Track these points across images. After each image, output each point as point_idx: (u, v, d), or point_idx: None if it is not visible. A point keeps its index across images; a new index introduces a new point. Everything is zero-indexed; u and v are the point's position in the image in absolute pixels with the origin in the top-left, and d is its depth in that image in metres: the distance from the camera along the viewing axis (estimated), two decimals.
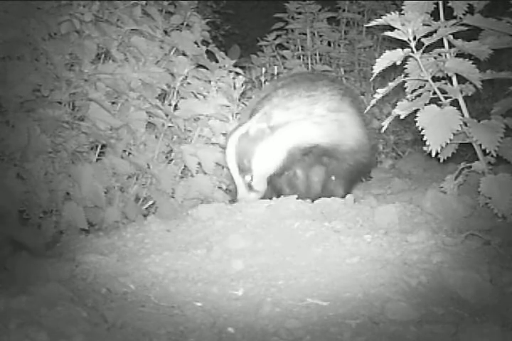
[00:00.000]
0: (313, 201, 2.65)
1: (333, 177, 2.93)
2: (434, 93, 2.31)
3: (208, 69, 3.20)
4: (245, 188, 2.79)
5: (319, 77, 3.16)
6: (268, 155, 2.76)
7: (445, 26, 2.21)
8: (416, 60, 2.25)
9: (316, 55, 4.56)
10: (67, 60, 2.64)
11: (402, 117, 2.27)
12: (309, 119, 2.77)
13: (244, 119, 3.00)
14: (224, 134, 3.06)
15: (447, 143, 2.15)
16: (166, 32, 3.10)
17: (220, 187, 3.08)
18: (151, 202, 2.97)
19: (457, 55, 2.30)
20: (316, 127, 2.78)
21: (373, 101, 2.35)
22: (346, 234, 2.15)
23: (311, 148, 2.82)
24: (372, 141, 3.03)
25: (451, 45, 2.29)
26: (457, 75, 2.31)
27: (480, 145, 2.21)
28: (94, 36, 2.70)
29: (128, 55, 2.88)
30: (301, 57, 4.56)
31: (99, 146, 2.72)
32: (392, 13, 2.16)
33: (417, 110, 2.23)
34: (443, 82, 2.33)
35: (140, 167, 2.81)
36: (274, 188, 3.01)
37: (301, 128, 2.76)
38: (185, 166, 3.01)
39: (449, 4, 2.25)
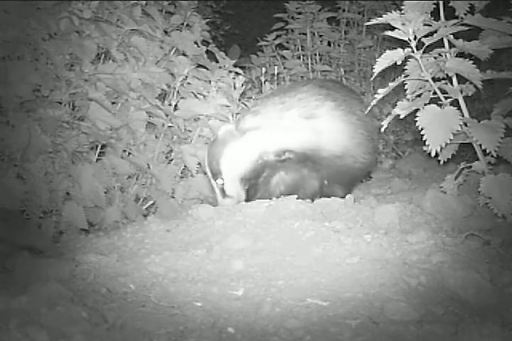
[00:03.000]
0: (313, 200, 2.65)
1: (325, 182, 2.89)
2: (435, 93, 2.31)
3: (208, 69, 3.20)
4: (220, 193, 2.75)
5: (304, 82, 3.12)
6: (236, 157, 2.71)
7: (445, 26, 2.21)
8: (416, 59, 2.24)
9: (316, 55, 4.56)
10: (67, 60, 2.64)
11: (401, 117, 2.27)
12: (280, 125, 2.72)
13: None
14: None
15: (447, 143, 2.15)
16: (166, 32, 3.11)
17: None
18: (151, 202, 2.97)
19: (457, 55, 2.30)
20: (287, 133, 2.72)
21: (374, 102, 2.35)
22: (346, 234, 2.15)
23: (286, 153, 2.75)
24: (367, 145, 2.91)
25: (451, 45, 2.29)
26: (457, 75, 2.31)
27: (480, 145, 2.21)
28: (94, 36, 2.70)
29: (128, 55, 2.88)
30: (301, 57, 4.56)
31: (99, 146, 2.72)
32: (393, 12, 2.16)
33: (417, 110, 2.23)
34: (443, 82, 2.33)
35: (140, 167, 2.82)
36: (268, 191, 2.96)
37: (272, 133, 2.72)
38: (185, 166, 3.01)
39: (450, 4, 2.25)
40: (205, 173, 2.85)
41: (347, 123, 2.83)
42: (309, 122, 2.75)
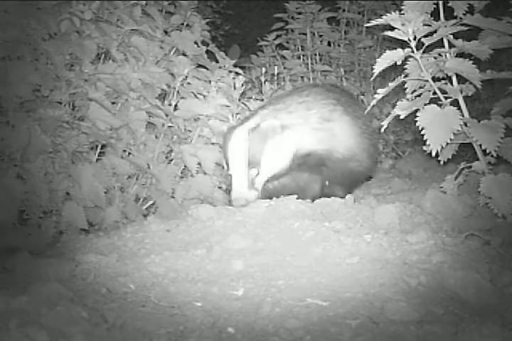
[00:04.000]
0: (313, 201, 2.65)
1: (327, 183, 2.91)
2: (434, 93, 2.31)
3: (208, 69, 3.20)
4: (247, 184, 2.71)
5: (311, 85, 3.17)
6: (277, 153, 2.74)
7: (445, 26, 2.21)
8: (416, 60, 2.24)
9: (316, 55, 4.56)
10: (67, 60, 2.64)
11: (402, 117, 2.27)
12: (307, 125, 2.79)
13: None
14: None
15: (447, 143, 2.15)
16: (166, 32, 3.10)
17: (220, 187, 3.08)
18: (151, 202, 2.97)
19: (457, 55, 2.30)
20: (312, 134, 2.79)
21: (374, 102, 2.35)
22: (346, 234, 2.15)
23: (306, 156, 2.81)
24: (371, 150, 3.00)
25: (451, 45, 2.29)
26: (457, 75, 2.31)
27: (480, 145, 2.21)
28: (94, 36, 2.70)
29: (128, 55, 2.88)
30: (301, 57, 4.56)
31: (99, 146, 2.72)
32: (393, 13, 2.16)
33: (417, 110, 2.23)
34: (443, 82, 2.33)
35: (140, 167, 2.81)
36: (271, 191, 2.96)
37: (301, 133, 2.77)
38: (185, 166, 3.01)
39: (449, 4, 2.25)
40: (227, 162, 2.79)
41: (355, 128, 2.92)
42: (327, 124, 2.82)
